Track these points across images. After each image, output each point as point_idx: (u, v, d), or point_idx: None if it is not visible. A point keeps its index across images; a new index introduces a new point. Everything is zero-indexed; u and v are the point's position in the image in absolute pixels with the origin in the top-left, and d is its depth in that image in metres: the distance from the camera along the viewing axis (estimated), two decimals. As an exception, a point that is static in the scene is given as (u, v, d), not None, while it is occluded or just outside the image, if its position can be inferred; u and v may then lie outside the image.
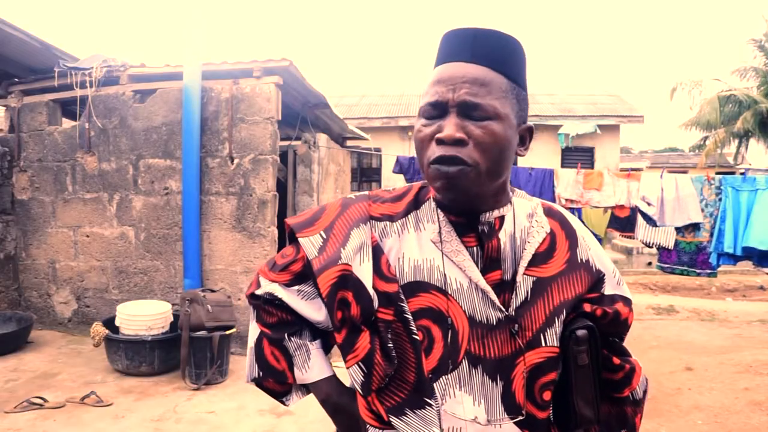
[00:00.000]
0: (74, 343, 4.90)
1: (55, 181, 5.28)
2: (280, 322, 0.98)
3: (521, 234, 0.92)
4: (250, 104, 4.88)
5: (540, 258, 0.91)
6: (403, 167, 6.16)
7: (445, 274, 0.88)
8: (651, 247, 5.90)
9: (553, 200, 5.38)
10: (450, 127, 0.81)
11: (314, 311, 0.95)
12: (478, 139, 0.81)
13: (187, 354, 4.01)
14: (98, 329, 4.21)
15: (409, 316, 0.87)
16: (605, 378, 0.93)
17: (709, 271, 5.41)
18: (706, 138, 16.86)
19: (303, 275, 0.96)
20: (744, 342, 5.39)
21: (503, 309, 0.87)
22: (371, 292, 0.87)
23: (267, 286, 0.98)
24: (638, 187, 5.34)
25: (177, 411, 3.55)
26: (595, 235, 5.75)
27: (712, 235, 5.25)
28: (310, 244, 0.93)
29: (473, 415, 0.86)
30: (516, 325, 0.87)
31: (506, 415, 0.86)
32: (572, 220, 0.99)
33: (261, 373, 1.00)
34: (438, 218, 0.91)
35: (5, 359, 4.39)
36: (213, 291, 4.42)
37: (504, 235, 0.90)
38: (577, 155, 12.28)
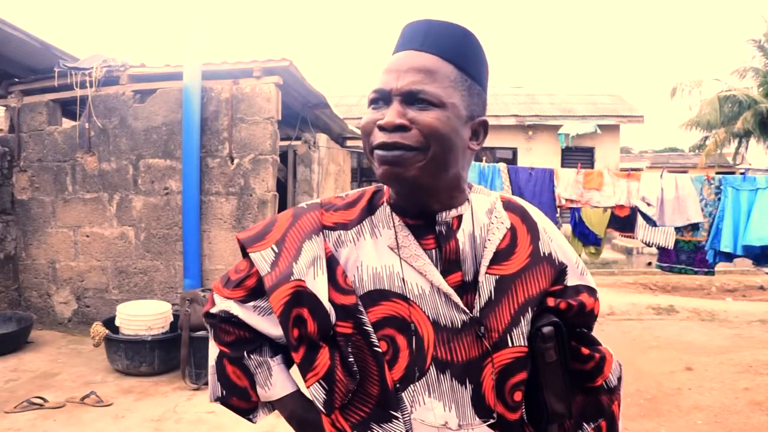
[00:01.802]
0: (74, 343, 4.90)
1: (55, 181, 5.28)
2: (239, 340, 0.95)
3: (481, 232, 0.89)
4: (250, 104, 4.88)
5: (502, 255, 0.89)
6: (403, 167, 6.13)
7: (404, 280, 0.85)
8: (651, 247, 5.90)
9: (554, 200, 5.38)
10: (391, 113, 0.79)
11: (272, 326, 0.92)
12: (420, 125, 0.79)
13: (187, 354, 4.01)
14: (98, 329, 4.21)
15: (369, 328, 0.85)
16: (576, 369, 0.92)
17: (706, 270, 5.42)
18: (706, 138, 16.88)
19: (258, 290, 0.92)
20: (744, 342, 5.39)
21: (467, 311, 0.85)
22: (327, 306, 0.85)
23: (222, 304, 0.95)
24: (638, 187, 5.34)
25: (177, 411, 3.55)
26: (595, 235, 5.77)
27: (709, 233, 5.26)
28: (262, 259, 0.89)
29: (443, 420, 0.84)
30: (482, 327, 0.85)
31: (477, 419, 0.85)
32: (533, 211, 0.96)
33: (224, 392, 0.98)
34: (393, 223, 0.88)
35: (5, 359, 4.39)
36: (213, 291, 4.42)
37: (462, 235, 0.88)
38: (577, 155, 12.27)
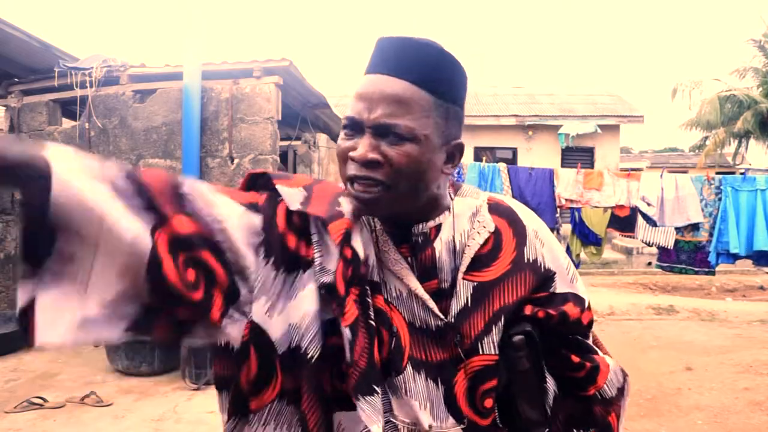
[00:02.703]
0: (74, 343, 4.90)
1: (55, 181, 5.27)
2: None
3: (461, 238, 0.88)
4: (250, 104, 4.88)
5: (482, 261, 0.87)
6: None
7: (383, 282, 0.86)
8: (651, 246, 5.91)
9: (554, 200, 5.38)
10: (363, 147, 0.78)
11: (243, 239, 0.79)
12: (392, 161, 0.77)
13: (187, 354, 4.01)
14: (98, 329, 4.21)
15: (369, 300, 0.83)
16: (568, 376, 0.91)
17: (706, 270, 5.43)
18: (706, 138, 16.90)
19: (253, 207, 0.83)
20: (744, 342, 5.39)
21: (442, 317, 0.85)
22: (362, 255, 0.82)
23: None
24: (638, 187, 5.34)
25: (177, 411, 3.55)
26: (595, 235, 5.78)
27: (711, 234, 5.26)
28: (291, 195, 0.83)
29: (418, 418, 0.85)
30: (457, 334, 0.85)
31: (450, 419, 0.85)
32: (523, 214, 0.93)
33: None
34: (375, 227, 0.88)
35: (5, 359, 4.39)
36: (213, 291, 4.42)
37: (440, 244, 0.87)
38: (577, 155, 12.27)
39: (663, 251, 5.64)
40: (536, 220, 0.95)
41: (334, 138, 7.59)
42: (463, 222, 0.90)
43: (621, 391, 0.94)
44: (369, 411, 0.78)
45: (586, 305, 0.91)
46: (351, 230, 0.81)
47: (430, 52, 0.81)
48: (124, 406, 3.59)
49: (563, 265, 0.92)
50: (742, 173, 5.54)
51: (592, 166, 11.75)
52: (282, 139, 5.49)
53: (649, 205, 5.28)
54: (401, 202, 0.81)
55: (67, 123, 5.57)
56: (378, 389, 0.82)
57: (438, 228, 0.88)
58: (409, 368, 0.85)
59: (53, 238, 0.65)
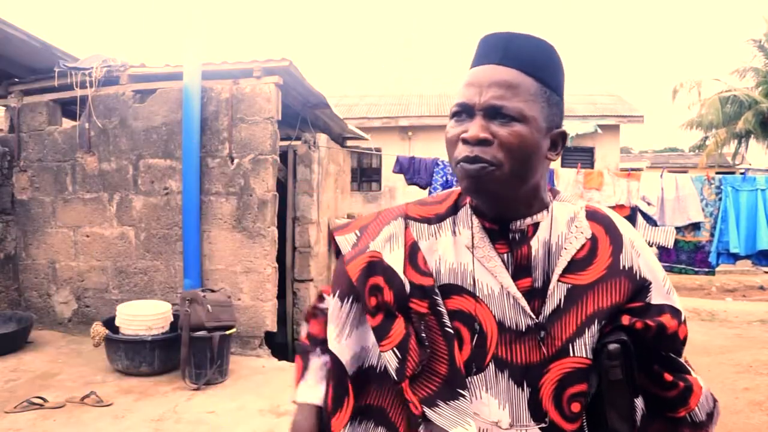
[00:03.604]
0: (74, 343, 4.90)
1: (55, 181, 5.28)
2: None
3: (558, 240, 0.90)
4: (250, 104, 4.88)
5: (578, 264, 0.88)
6: (403, 167, 6.17)
7: (476, 279, 0.89)
8: (651, 247, 5.91)
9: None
10: (474, 127, 0.83)
11: (354, 343, 0.98)
12: (502, 140, 0.82)
13: (187, 354, 4.01)
14: (98, 329, 4.22)
15: (443, 309, 0.88)
16: (658, 395, 0.88)
17: (706, 270, 5.43)
18: (706, 138, 16.90)
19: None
20: (744, 342, 5.39)
21: (533, 316, 0.87)
22: (403, 278, 0.89)
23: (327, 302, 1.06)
24: (638, 186, 5.34)
25: (177, 411, 3.55)
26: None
27: (712, 234, 5.26)
28: (345, 241, 0.99)
29: (497, 418, 0.86)
30: (542, 333, 0.86)
31: (532, 422, 0.86)
32: (621, 224, 0.94)
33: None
34: (472, 224, 0.92)
35: (5, 359, 4.39)
36: (213, 291, 4.42)
37: (536, 243, 0.89)
38: (577, 155, 12.26)
39: (663, 251, 5.64)
40: (633, 230, 0.96)
41: (334, 138, 7.58)
42: (560, 225, 0.92)
43: (710, 416, 0.91)
44: (451, 415, 0.85)
45: (683, 319, 0.89)
46: (375, 261, 0.92)
47: (533, 43, 0.87)
48: (124, 406, 3.59)
49: (659, 276, 0.91)
50: (742, 173, 5.55)
51: (592, 166, 11.75)
52: (282, 139, 5.49)
53: (649, 204, 5.28)
54: (509, 182, 0.84)
55: (67, 123, 5.57)
56: (465, 393, 0.85)
57: (535, 227, 0.90)
58: (491, 367, 0.87)
59: None
